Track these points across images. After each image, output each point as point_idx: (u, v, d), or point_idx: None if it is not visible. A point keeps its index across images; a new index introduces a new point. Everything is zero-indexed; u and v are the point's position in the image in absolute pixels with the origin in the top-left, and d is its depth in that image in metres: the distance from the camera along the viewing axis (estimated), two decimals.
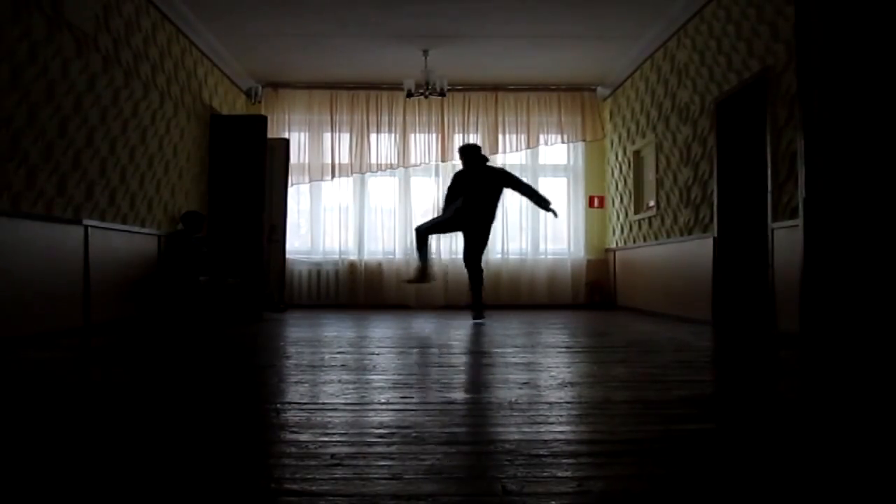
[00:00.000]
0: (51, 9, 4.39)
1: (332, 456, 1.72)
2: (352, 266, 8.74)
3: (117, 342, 4.48)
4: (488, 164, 6.48)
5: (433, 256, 6.87)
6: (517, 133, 8.91)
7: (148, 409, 2.36)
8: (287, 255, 8.13)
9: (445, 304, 8.47)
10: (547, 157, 9.11)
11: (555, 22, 6.66)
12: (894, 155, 3.14)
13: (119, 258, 5.40)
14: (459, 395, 2.64)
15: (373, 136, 8.85)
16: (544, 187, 8.96)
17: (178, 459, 1.72)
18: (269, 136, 7.71)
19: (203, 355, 3.97)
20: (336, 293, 8.72)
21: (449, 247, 8.62)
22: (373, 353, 3.92)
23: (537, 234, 8.94)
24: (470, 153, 6.35)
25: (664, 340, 4.63)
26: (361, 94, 8.80)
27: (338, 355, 3.77)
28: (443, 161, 8.83)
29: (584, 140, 8.98)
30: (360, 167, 8.81)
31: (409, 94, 7.76)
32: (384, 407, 2.38)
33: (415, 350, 4.18)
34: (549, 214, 6.51)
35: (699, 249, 6.00)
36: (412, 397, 2.54)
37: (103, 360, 3.77)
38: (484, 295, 6.39)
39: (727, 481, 1.58)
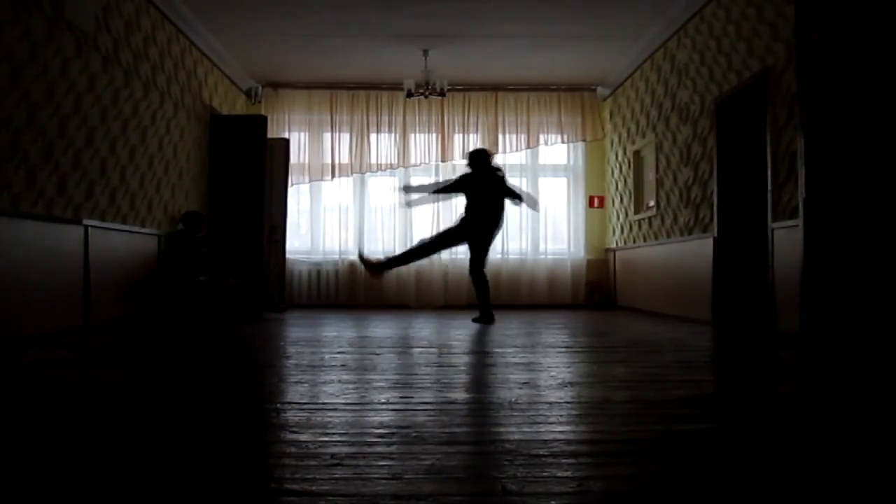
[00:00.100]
0: (51, 9, 4.39)
1: (332, 456, 1.72)
2: (352, 266, 8.74)
3: (117, 342, 4.47)
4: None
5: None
6: (517, 133, 8.91)
7: (148, 409, 2.36)
8: (287, 255, 8.14)
9: (445, 304, 8.48)
10: (547, 157, 9.11)
11: (555, 22, 6.66)
12: (894, 155, 3.14)
13: (119, 258, 5.40)
14: (459, 395, 2.64)
15: (373, 136, 8.86)
16: (544, 187, 9.03)
17: (178, 459, 1.72)
18: (269, 136, 7.71)
19: (203, 355, 3.97)
20: (336, 293, 8.73)
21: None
22: (373, 353, 3.91)
23: (537, 234, 8.94)
24: (478, 159, 6.17)
25: (664, 340, 4.63)
26: (361, 94, 8.80)
27: (338, 355, 3.77)
28: (443, 161, 8.83)
29: (584, 140, 8.98)
30: (360, 167, 8.81)
31: (409, 94, 7.76)
32: (384, 407, 2.38)
33: (415, 350, 4.18)
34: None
35: (699, 249, 6.00)
36: (412, 397, 2.54)
37: (103, 360, 3.77)
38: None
39: (727, 481, 1.58)
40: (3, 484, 1.52)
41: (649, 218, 7.44)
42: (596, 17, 6.52)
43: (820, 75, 3.51)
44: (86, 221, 4.85)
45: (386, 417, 2.21)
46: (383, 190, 8.88)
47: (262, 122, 7.45)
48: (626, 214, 8.21)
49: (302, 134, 8.85)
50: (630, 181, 8.07)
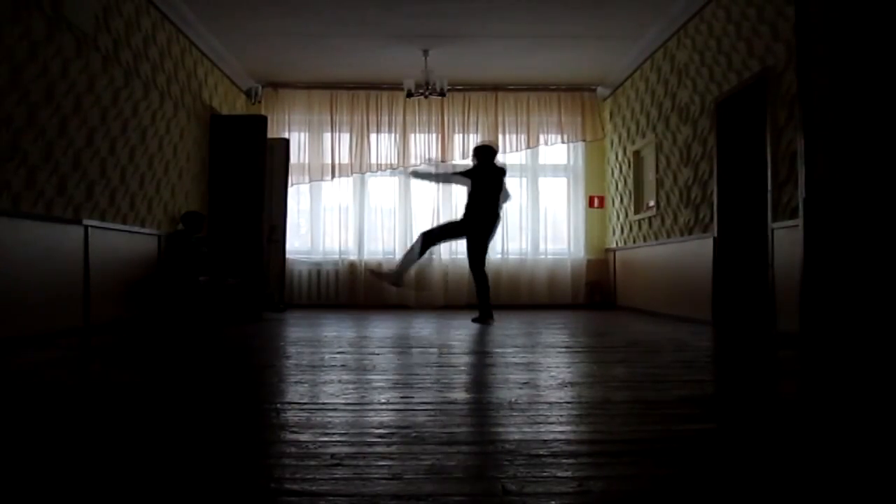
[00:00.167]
0: (51, 9, 4.39)
1: (332, 456, 1.72)
2: (352, 266, 8.75)
3: (117, 342, 4.47)
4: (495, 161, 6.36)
5: (425, 262, 6.71)
6: (517, 133, 8.91)
7: (148, 410, 2.36)
8: (287, 255, 8.14)
9: (445, 304, 8.48)
10: (547, 157, 9.11)
11: (555, 22, 6.66)
12: (894, 155, 3.14)
13: (119, 258, 5.40)
14: (459, 395, 2.65)
15: (373, 136, 8.86)
16: (544, 187, 9.04)
17: (178, 459, 1.72)
18: (269, 136, 7.71)
19: (203, 355, 3.97)
20: (336, 293, 8.73)
21: (449, 247, 8.60)
22: (373, 353, 3.92)
23: (537, 234, 8.94)
24: (485, 154, 6.25)
25: (664, 340, 4.63)
26: (361, 94, 8.80)
27: (338, 355, 3.77)
28: (443, 161, 8.82)
29: (584, 140, 8.98)
30: (360, 167, 8.81)
31: (409, 94, 7.76)
32: (384, 407, 2.38)
33: (415, 350, 4.18)
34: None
35: (699, 249, 6.00)
36: (412, 397, 2.54)
37: (103, 360, 3.77)
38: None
39: (728, 481, 1.58)
40: (4, 484, 1.52)
41: (649, 218, 7.44)
42: (596, 17, 6.52)
43: (820, 75, 3.50)
44: (86, 221, 4.85)
45: (386, 417, 2.21)
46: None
47: (262, 122, 7.45)
48: (626, 214, 8.21)
49: (302, 134, 8.85)
50: (630, 181, 8.07)
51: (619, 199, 8.52)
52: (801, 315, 3.65)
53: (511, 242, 8.89)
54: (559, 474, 1.60)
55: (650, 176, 7.49)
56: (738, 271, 5.54)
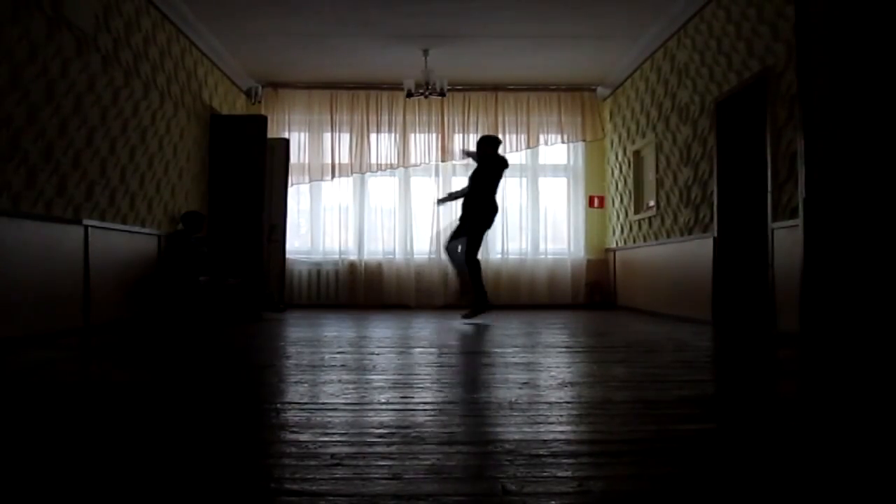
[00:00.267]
0: (51, 9, 4.39)
1: (332, 456, 1.72)
2: (352, 266, 8.75)
3: (117, 342, 4.47)
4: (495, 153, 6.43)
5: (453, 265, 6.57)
6: (517, 133, 8.91)
7: (148, 409, 2.36)
8: (287, 255, 8.13)
9: (445, 304, 8.48)
10: (547, 156, 9.12)
11: (555, 22, 6.66)
12: (894, 155, 3.14)
13: (119, 258, 5.40)
14: (459, 395, 2.65)
15: (373, 136, 8.86)
16: (544, 187, 9.04)
17: (178, 459, 1.72)
18: (269, 136, 7.71)
19: (203, 355, 3.97)
20: (336, 293, 8.72)
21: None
22: (373, 353, 3.92)
23: (537, 234, 8.94)
24: (490, 145, 6.37)
25: (664, 340, 4.63)
26: (361, 94, 8.80)
27: (338, 355, 3.77)
28: (443, 161, 8.83)
29: (583, 140, 8.98)
30: (360, 167, 8.81)
31: (409, 94, 7.76)
32: (384, 407, 2.38)
33: (415, 350, 4.18)
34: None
35: (699, 249, 6.00)
36: (412, 397, 2.54)
37: (103, 360, 3.77)
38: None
39: (727, 481, 1.58)
40: (4, 483, 1.52)
41: (649, 218, 7.44)
42: (596, 17, 6.52)
43: (820, 75, 3.51)
44: (86, 221, 4.85)
45: (386, 417, 2.21)
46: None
47: (262, 121, 7.45)
48: (626, 214, 8.21)
49: (302, 134, 8.85)
50: (630, 181, 8.07)
51: (619, 199, 8.52)
52: (801, 315, 3.65)
53: (511, 242, 8.88)
54: (559, 474, 1.60)
55: (650, 176, 7.49)
56: (738, 271, 5.54)
